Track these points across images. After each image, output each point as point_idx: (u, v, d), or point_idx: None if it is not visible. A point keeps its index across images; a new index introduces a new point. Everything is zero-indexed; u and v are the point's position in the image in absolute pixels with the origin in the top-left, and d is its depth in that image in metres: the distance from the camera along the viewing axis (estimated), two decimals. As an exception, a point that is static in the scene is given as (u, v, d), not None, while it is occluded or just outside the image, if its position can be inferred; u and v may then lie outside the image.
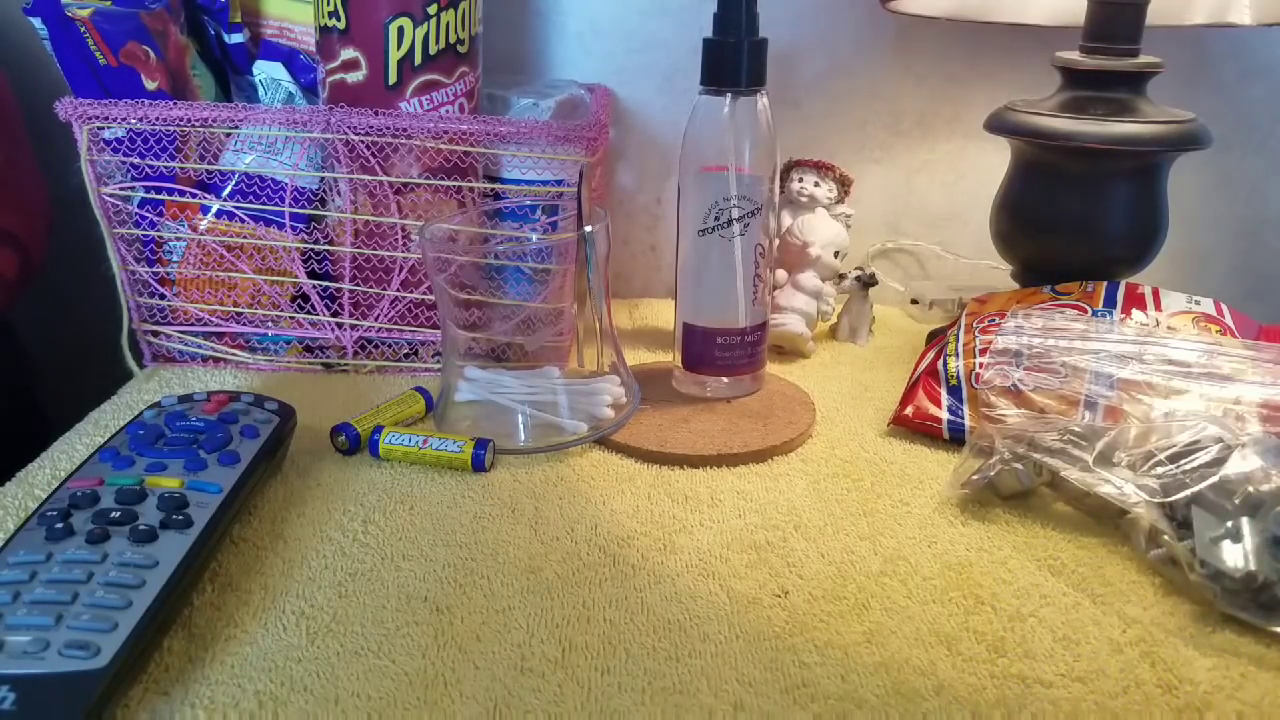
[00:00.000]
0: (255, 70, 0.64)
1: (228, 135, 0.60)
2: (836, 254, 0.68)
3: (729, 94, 0.54)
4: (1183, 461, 0.44)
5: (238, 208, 0.60)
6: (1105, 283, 0.61)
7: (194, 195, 0.61)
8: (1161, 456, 0.45)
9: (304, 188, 0.61)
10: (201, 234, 0.61)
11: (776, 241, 0.62)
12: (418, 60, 0.58)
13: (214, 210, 0.61)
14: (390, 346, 0.64)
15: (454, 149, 0.59)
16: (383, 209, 0.60)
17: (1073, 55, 0.63)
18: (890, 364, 0.67)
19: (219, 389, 0.53)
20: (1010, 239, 0.67)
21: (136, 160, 0.59)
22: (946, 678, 0.37)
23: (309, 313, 0.63)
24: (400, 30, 0.57)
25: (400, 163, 0.59)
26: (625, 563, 0.44)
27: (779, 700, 0.35)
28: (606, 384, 0.56)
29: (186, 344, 0.64)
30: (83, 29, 0.57)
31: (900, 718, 0.35)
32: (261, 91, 0.64)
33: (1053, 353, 0.54)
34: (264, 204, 0.60)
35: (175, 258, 0.62)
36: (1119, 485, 0.44)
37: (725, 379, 0.59)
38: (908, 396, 0.57)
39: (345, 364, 0.64)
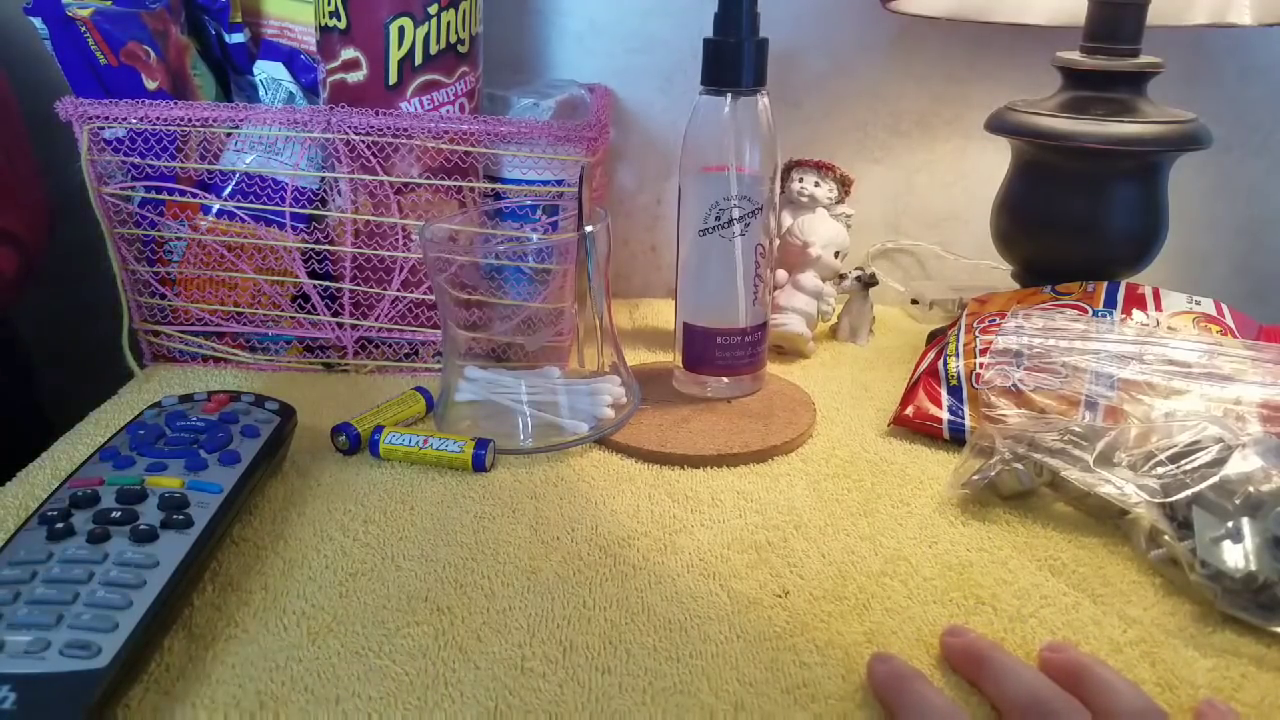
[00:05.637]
0: (256, 70, 0.64)
1: (228, 135, 0.60)
2: (837, 254, 0.68)
3: (729, 94, 0.54)
4: (1183, 462, 0.44)
5: (238, 208, 0.60)
6: (1105, 283, 0.61)
7: (194, 195, 0.61)
8: (1162, 457, 0.45)
9: (304, 188, 0.61)
10: (202, 234, 0.61)
11: (777, 241, 0.62)
12: (418, 60, 0.58)
13: (214, 210, 0.61)
14: (390, 346, 0.64)
15: (454, 149, 0.59)
16: (383, 209, 0.60)
17: (1073, 55, 0.63)
18: (890, 364, 0.67)
19: (219, 389, 0.53)
20: (1010, 239, 0.67)
21: (137, 160, 0.59)
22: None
23: (309, 312, 0.63)
24: (401, 30, 0.57)
25: (401, 163, 0.59)
26: (625, 563, 0.44)
27: (779, 700, 0.35)
28: (607, 384, 0.56)
29: (187, 344, 0.64)
30: (83, 29, 0.57)
31: (901, 718, 0.35)
32: (262, 91, 0.64)
33: (1053, 353, 0.54)
34: (264, 204, 0.60)
35: (176, 258, 0.62)
36: (1119, 485, 0.44)
37: (725, 379, 0.59)
38: (908, 396, 0.57)
39: (345, 364, 0.64)
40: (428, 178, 0.60)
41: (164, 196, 0.61)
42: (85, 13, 0.57)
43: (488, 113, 0.65)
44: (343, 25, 0.58)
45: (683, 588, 0.42)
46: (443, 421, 0.56)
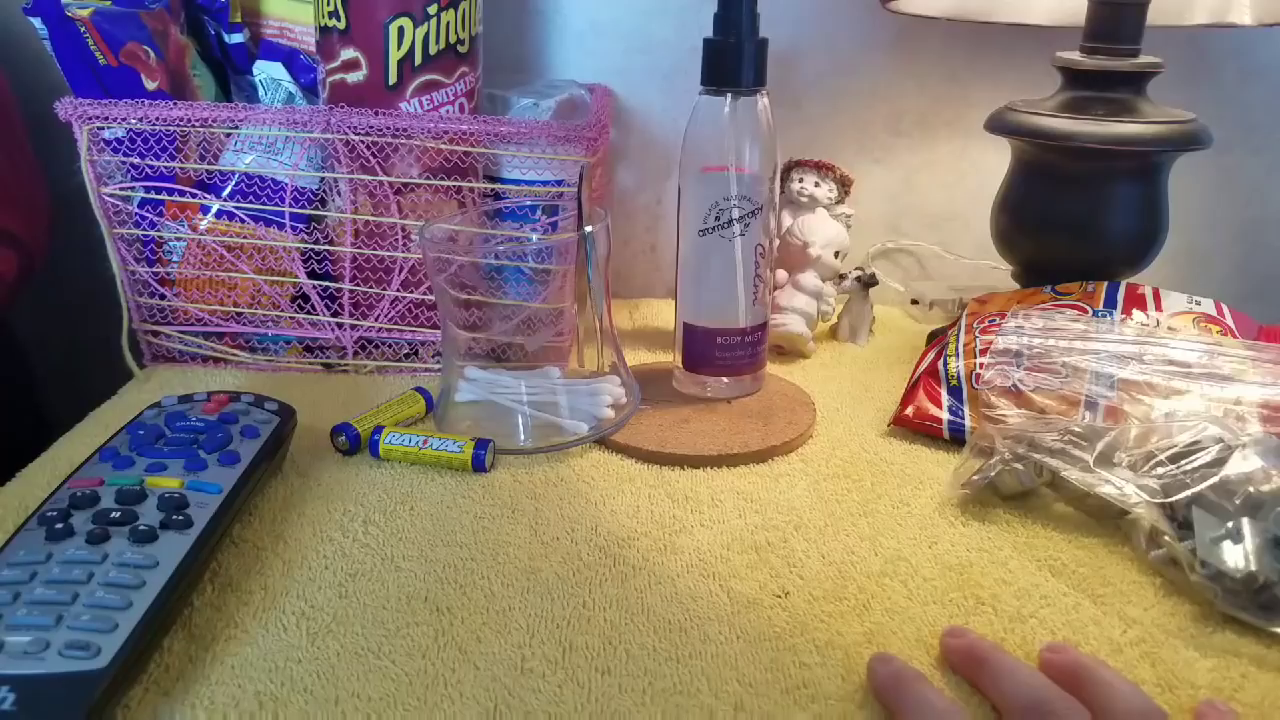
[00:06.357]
0: (255, 70, 0.64)
1: (228, 135, 0.60)
2: (837, 254, 0.68)
3: (729, 94, 0.54)
4: (1183, 462, 0.44)
5: (238, 208, 0.60)
6: (1106, 283, 0.61)
7: (194, 195, 0.61)
8: (1162, 457, 0.45)
9: (304, 188, 0.61)
10: (201, 234, 0.61)
11: (776, 241, 0.62)
12: (418, 60, 0.58)
13: (214, 210, 0.61)
14: (390, 346, 0.64)
15: (454, 149, 0.59)
16: (383, 209, 0.60)
17: (1073, 55, 0.63)
18: (890, 364, 0.67)
19: (219, 389, 0.53)
20: (1010, 239, 0.67)
21: (136, 160, 0.59)
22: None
23: (309, 313, 0.63)
24: (400, 30, 0.57)
25: (400, 163, 0.59)
26: (625, 563, 0.44)
27: (779, 701, 0.35)
28: (606, 384, 0.56)
29: (186, 344, 0.64)
30: (83, 29, 0.57)
31: (901, 718, 0.35)
32: (261, 91, 0.64)
33: (1053, 353, 0.54)
34: (264, 204, 0.60)
35: (175, 258, 0.62)
36: (1119, 486, 0.44)
37: (725, 379, 0.59)
38: (908, 397, 0.57)
39: (345, 364, 0.64)
40: (427, 178, 0.60)
41: (164, 197, 0.61)
42: (85, 13, 0.57)
43: (488, 113, 0.65)
44: (342, 25, 0.58)
45: (683, 588, 0.42)
46: (443, 422, 0.56)
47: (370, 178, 0.59)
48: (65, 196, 0.63)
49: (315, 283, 0.62)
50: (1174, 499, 0.43)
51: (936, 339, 0.66)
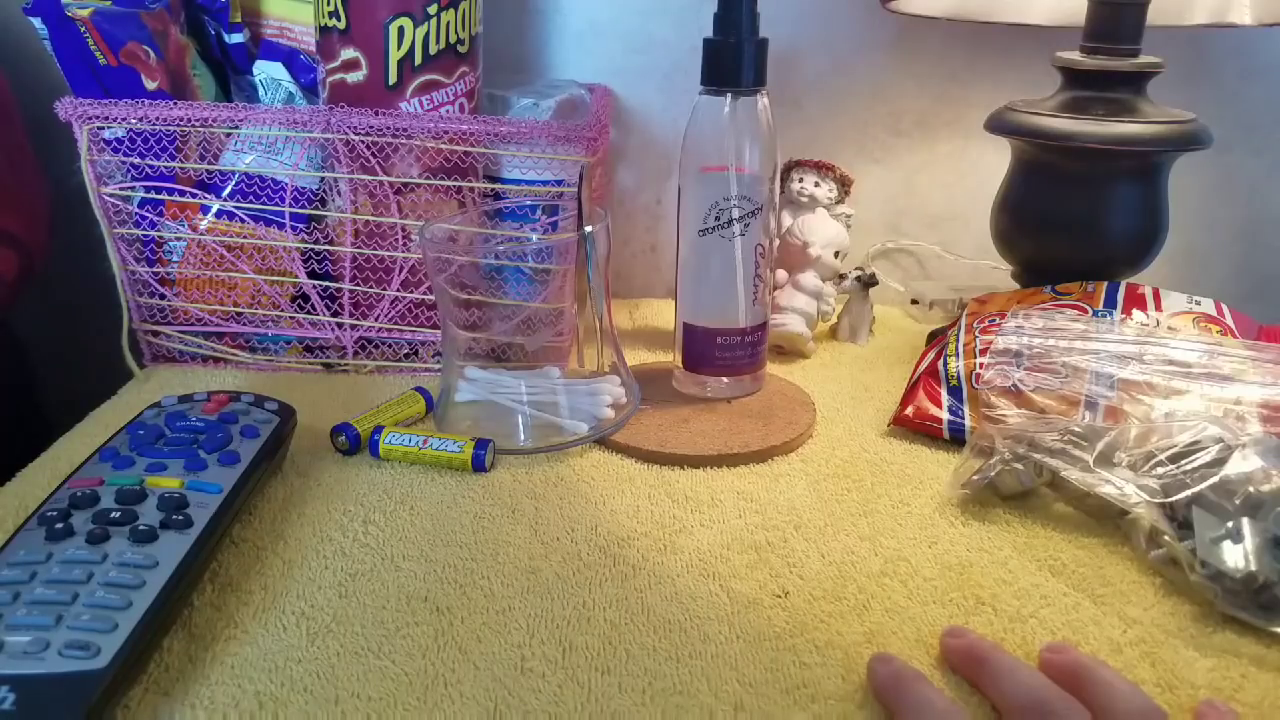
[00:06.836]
0: (255, 70, 0.64)
1: (228, 135, 0.60)
2: (836, 254, 0.68)
3: (729, 94, 0.54)
4: (1183, 462, 0.44)
5: (238, 208, 0.60)
6: (1106, 283, 0.61)
7: (194, 195, 0.61)
8: (1162, 457, 0.45)
9: (304, 188, 0.61)
10: (201, 234, 0.61)
11: (776, 241, 0.62)
12: (418, 60, 0.58)
13: (214, 210, 0.61)
14: (390, 346, 0.64)
15: (454, 149, 0.59)
16: (383, 209, 0.60)
17: (1073, 55, 0.63)
18: (890, 364, 0.67)
19: (219, 389, 0.53)
20: (1010, 239, 0.67)
21: (136, 160, 0.59)
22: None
23: (309, 313, 0.63)
24: (400, 30, 0.57)
25: (400, 163, 0.59)
26: (625, 563, 0.44)
27: (779, 701, 0.35)
28: (606, 384, 0.56)
29: (186, 344, 0.64)
30: (83, 29, 0.57)
31: (901, 718, 0.35)
32: (261, 91, 0.64)
33: (1053, 353, 0.54)
34: (264, 204, 0.60)
35: (175, 258, 0.62)
36: (1119, 485, 0.44)
37: (725, 379, 0.59)
38: (908, 396, 0.57)
39: (345, 364, 0.64)
40: (428, 178, 0.60)
41: (164, 196, 0.61)
42: (85, 13, 0.57)
43: (488, 113, 0.65)
44: (342, 25, 0.58)
45: (682, 588, 0.42)
46: (443, 421, 0.56)
47: (370, 178, 0.59)
48: (65, 196, 0.63)
49: (315, 283, 0.62)
50: (1174, 499, 0.43)
51: (936, 339, 0.66)
